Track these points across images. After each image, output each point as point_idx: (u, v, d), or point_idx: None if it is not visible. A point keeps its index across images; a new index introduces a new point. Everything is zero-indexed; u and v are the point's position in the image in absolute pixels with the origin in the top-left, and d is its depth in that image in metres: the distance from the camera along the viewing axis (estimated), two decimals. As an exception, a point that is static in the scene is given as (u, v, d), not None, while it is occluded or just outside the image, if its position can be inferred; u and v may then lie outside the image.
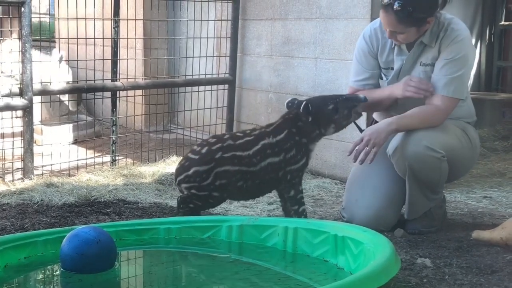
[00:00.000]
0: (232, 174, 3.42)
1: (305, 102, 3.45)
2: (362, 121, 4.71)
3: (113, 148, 5.38)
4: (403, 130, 3.46)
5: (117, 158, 5.38)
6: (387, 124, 3.45)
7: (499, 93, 6.91)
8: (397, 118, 3.48)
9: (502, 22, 7.17)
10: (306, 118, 3.44)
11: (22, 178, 4.71)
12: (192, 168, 3.43)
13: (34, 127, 4.86)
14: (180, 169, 3.50)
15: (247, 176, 3.44)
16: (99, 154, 5.73)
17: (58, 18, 5.47)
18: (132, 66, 6.13)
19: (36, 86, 4.88)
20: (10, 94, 4.68)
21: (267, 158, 3.44)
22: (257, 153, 3.43)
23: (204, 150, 3.45)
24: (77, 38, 5.32)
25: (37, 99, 5.09)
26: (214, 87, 5.88)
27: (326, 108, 3.46)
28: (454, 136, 3.54)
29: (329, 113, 3.46)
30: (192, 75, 5.88)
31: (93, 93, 5.67)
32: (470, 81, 6.93)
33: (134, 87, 5.67)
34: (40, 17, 5.01)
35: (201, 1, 5.82)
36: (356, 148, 3.44)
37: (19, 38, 4.72)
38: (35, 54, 5.23)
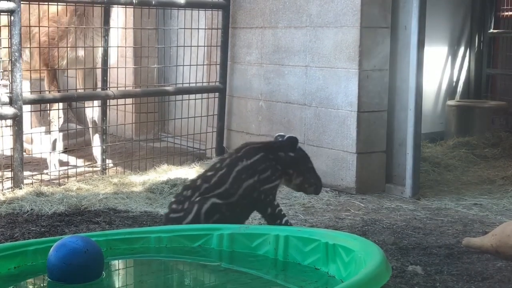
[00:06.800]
0: (219, 206, 3.47)
1: (294, 136, 3.63)
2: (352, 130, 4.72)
3: (103, 157, 5.36)
4: None
5: (107, 166, 5.37)
6: None
7: (488, 101, 6.94)
8: None
9: (491, 30, 7.21)
10: (289, 150, 3.56)
11: (12, 188, 4.69)
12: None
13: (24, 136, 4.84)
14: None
15: (224, 208, 3.48)
16: (89, 163, 5.71)
17: (49, 27, 5.44)
18: (122, 75, 6.12)
19: (27, 95, 4.87)
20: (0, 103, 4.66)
21: (243, 183, 3.50)
22: (233, 182, 3.48)
23: (185, 206, 3.48)
24: (67, 47, 5.31)
25: (26, 108, 5.08)
26: (205, 95, 5.88)
27: (308, 163, 3.66)
28: None
29: (306, 169, 3.64)
30: (182, 83, 5.88)
31: (83, 102, 5.66)
32: (459, 89, 6.98)
33: (125, 95, 5.67)
34: (29, 26, 4.99)
35: (191, 10, 5.82)
36: None
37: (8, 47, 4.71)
38: None
